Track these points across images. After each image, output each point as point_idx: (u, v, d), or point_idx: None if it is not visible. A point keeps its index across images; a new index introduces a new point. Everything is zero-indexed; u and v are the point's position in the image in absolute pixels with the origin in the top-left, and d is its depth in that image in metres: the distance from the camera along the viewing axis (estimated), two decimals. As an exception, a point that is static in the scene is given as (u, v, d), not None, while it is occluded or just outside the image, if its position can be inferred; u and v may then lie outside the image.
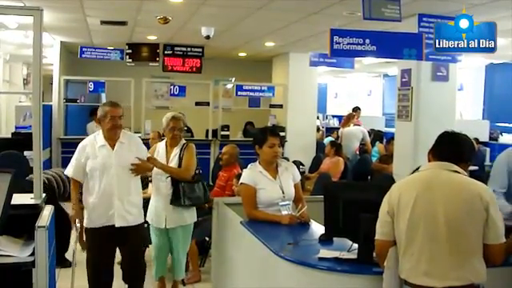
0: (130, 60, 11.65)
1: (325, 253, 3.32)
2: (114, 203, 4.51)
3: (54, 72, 11.57)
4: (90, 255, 4.61)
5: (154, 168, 4.98)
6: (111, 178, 4.52)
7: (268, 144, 4.44)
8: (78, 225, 4.59)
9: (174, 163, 5.12)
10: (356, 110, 12.70)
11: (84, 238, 4.68)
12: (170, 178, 5.06)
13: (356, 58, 10.39)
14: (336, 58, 10.01)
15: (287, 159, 7.40)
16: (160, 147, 5.27)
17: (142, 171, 4.77)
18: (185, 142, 5.26)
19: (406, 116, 7.72)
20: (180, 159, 5.13)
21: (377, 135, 12.50)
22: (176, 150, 5.16)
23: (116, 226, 4.51)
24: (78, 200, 4.64)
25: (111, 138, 4.60)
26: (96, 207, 4.53)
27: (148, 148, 5.21)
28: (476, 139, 9.99)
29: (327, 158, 9.83)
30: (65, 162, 10.24)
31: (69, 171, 4.68)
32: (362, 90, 20.00)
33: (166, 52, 11.81)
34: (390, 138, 9.88)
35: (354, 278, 3.13)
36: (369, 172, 9.91)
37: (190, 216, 5.24)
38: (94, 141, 4.64)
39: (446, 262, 2.72)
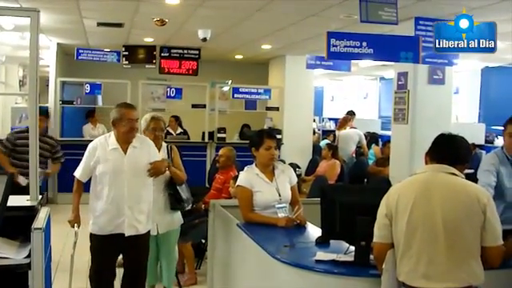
0: (127, 62, 11.61)
1: (321, 255, 3.32)
2: (124, 211, 4.33)
3: (51, 74, 11.54)
4: (94, 261, 4.45)
5: None
6: (122, 183, 4.33)
7: (265, 146, 4.44)
8: (77, 229, 4.46)
9: None
10: (351, 114, 12.63)
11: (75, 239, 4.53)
12: (159, 183, 4.86)
13: (352, 61, 10.41)
14: (332, 60, 10.01)
15: (283, 162, 7.40)
16: None
17: (160, 172, 4.56)
18: (166, 143, 5.14)
19: (402, 119, 7.73)
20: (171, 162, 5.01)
21: (372, 137, 12.50)
22: (162, 153, 4.98)
23: (126, 235, 4.34)
24: (78, 204, 4.48)
25: (125, 142, 4.41)
26: (104, 214, 4.35)
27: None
28: (473, 144, 10.02)
29: (324, 160, 9.86)
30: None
31: (77, 172, 4.49)
32: (359, 93, 20.02)
33: (162, 54, 11.79)
34: (386, 141, 9.89)
35: (351, 281, 3.13)
36: (365, 175, 9.93)
37: (179, 219, 5.18)
38: (105, 143, 4.44)
39: (444, 264, 2.72)
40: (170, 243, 5.17)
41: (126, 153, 4.41)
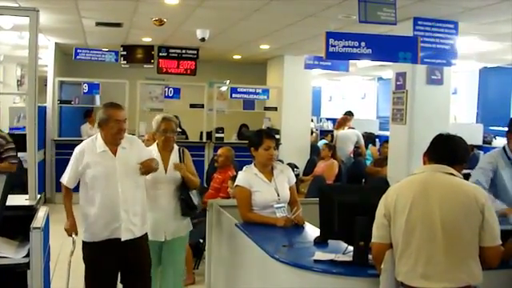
0: (125, 62, 11.63)
1: (320, 255, 3.33)
2: (119, 215, 4.12)
3: (49, 73, 11.53)
4: (90, 271, 4.23)
5: (150, 175, 4.46)
6: (115, 187, 4.12)
7: (264, 146, 4.44)
8: (75, 237, 4.29)
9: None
10: (349, 114, 12.59)
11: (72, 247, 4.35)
12: (169, 187, 4.73)
13: (350, 61, 10.41)
14: (331, 60, 10.02)
15: (281, 162, 7.40)
16: (153, 152, 4.73)
17: (151, 170, 4.34)
18: (178, 146, 4.93)
19: (400, 119, 7.73)
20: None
21: (369, 138, 12.50)
22: (174, 156, 4.81)
23: (122, 239, 4.13)
24: (71, 210, 4.30)
25: (114, 143, 4.19)
26: (98, 219, 4.12)
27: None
28: (471, 145, 10.01)
29: (322, 160, 9.86)
30: (59, 164, 10.40)
31: (64, 178, 4.27)
32: (357, 93, 20.04)
33: (160, 54, 11.81)
34: (384, 141, 9.88)
35: (349, 280, 3.13)
36: (363, 175, 9.93)
37: (188, 224, 4.96)
38: (92, 146, 4.21)
39: (442, 264, 2.73)
40: (178, 250, 4.91)
41: (115, 155, 4.21)
